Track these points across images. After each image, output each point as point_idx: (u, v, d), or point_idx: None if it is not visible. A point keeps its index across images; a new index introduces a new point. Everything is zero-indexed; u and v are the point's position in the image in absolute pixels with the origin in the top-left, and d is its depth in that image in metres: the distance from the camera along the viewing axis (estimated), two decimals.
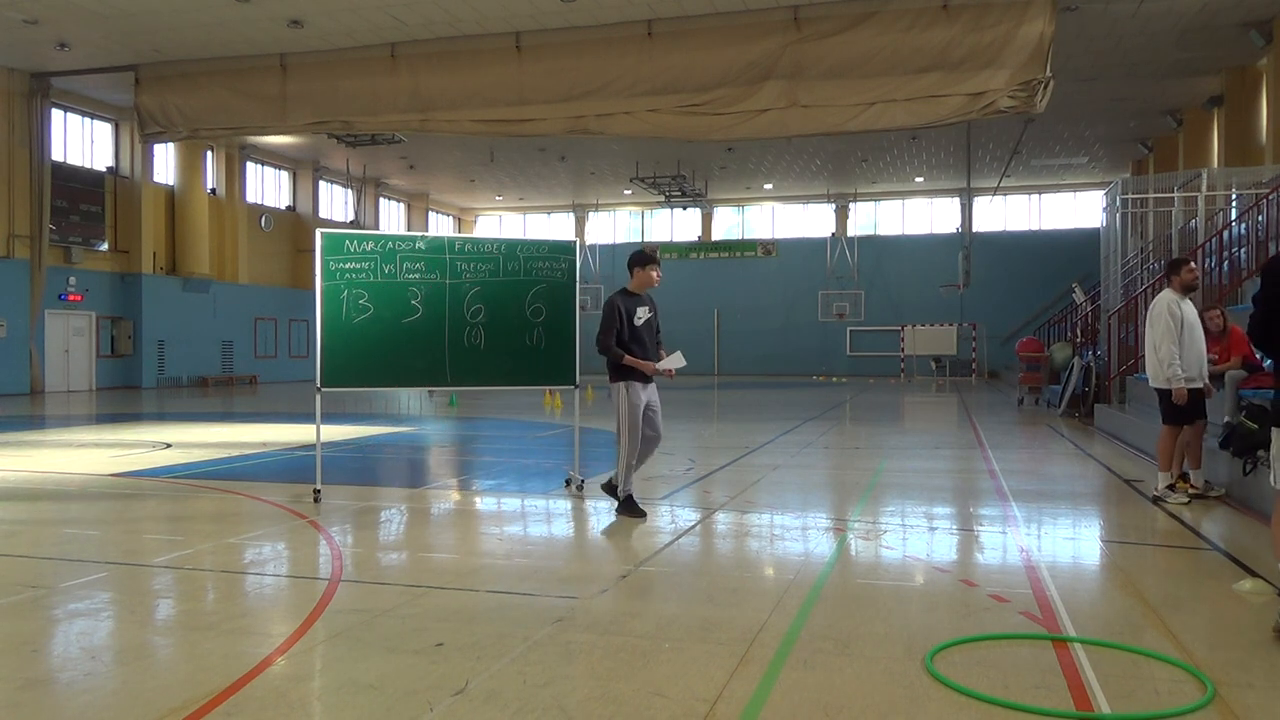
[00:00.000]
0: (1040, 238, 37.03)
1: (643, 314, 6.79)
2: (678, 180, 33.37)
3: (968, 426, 14.97)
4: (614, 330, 6.71)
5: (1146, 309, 14.25)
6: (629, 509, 6.84)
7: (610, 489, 7.04)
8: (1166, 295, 7.56)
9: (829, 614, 4.42)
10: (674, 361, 6.86)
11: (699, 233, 41.84)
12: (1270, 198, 12.73)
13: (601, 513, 7.23)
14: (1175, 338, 7.32)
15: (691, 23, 16.71)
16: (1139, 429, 11.55)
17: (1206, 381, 7.58)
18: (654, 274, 6.90)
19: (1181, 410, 7.39)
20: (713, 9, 16.44)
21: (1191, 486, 7.59)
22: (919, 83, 15.37)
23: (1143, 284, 15.67)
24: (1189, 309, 7.50)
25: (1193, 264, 7.71)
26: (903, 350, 36.23)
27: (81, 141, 25.53)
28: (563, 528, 6.80)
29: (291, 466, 9.98)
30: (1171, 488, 7.43)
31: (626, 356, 6.70)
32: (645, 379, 6.83)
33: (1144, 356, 13.92)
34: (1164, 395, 7.48)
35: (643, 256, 6.99)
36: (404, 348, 7.63)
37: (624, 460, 6.82)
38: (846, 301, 38.64)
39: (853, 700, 3.32)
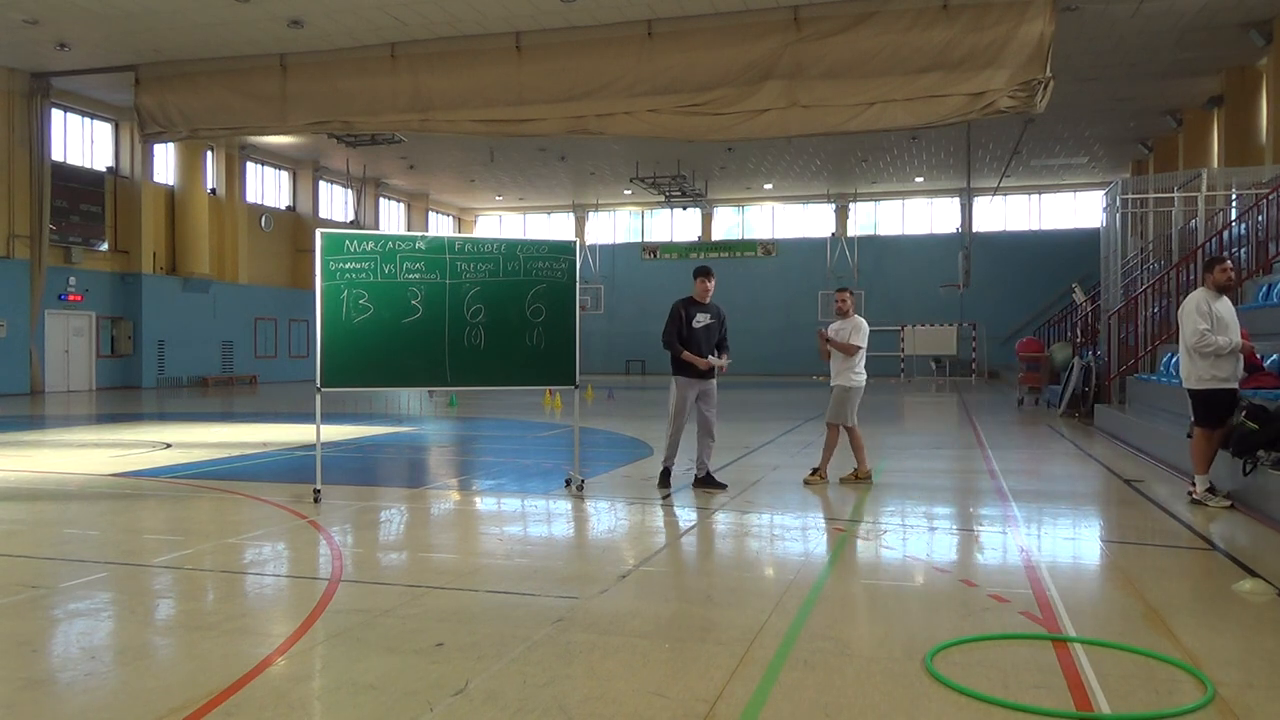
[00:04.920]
0: (1040, 238, 37.02)
1: (702, 319, 7.98)
2: (678, 180, 33.34)
3: (968, 426, 14.97)
4: (674, 328, 7.93)
5: (1146, 309, 14.36)
6: (661, 480, 8.10)
7: (701, 481, 8.08)
8: (1198, 293, 7.54)
9: (829, 614, 4.42)
10: (717, 360, 8.02)
11: (699, 233, 41.83)
12: (1270, 198, 12.73)
13: (602, 513, 7.24)
14: (1208, 327, 7.22)
15: (691, 23, 16.69)
16: (1139, 429, 11.55)
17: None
18: (705, 285, 8.04)
19: (1216, 412, 7.28)
20: (713, 9, 16.43)
21: (1192, 487, 7.58)
22: (919, 83, 15.36)
23: (1143, 284, 15.68)
24: (1223, 307, 7.41)
25: (1228, 264, 7.60)
26: (903, 350, 36.20)
27: (81, 141, 25.51)
28: (563, 528, 6.80)
29: (291, 466, 9.97)
30: (1211, 490, 7.31)
31: (685, 353, 7.89)
32: (695, 376, 7.94)
33: (1145, 357, 14.06)
34: (1199, 397, 7.39)
35: (696, 270, 8.16)
36: (404, 348, 7.62)
37: (667, 439, 8.16)
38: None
39: (853, 700, 3.32)
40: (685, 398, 7.97)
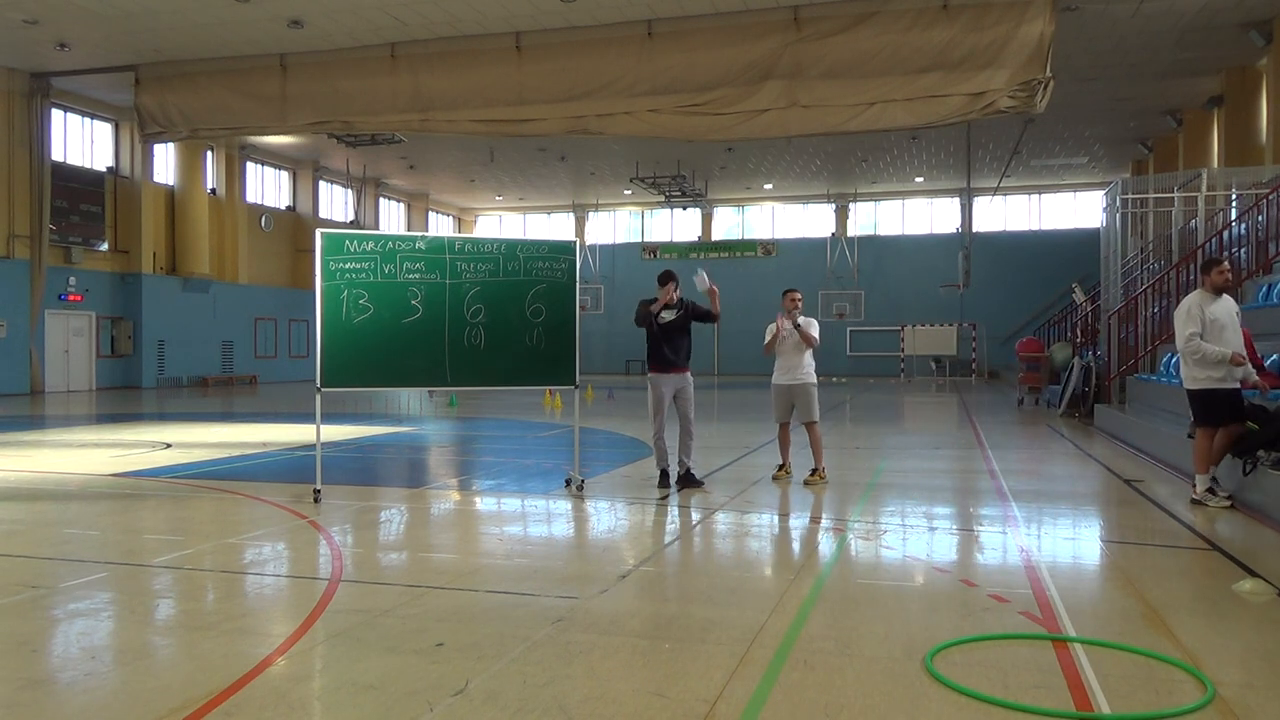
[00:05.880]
0: (1040, 238, 37.01)
1: (667, 315, 8.20)
2: (678, 180, 33.33)
3: (968, 426, 14.97)
4: (645, 312, 8.16)
5: (1146, 309, 14.36)
6: (660, 481, 8.19)
7: (681, 479, 8.16)
8: (1194, 295, 7.52)
9: (829, 614, 4.41)
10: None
11: (699, 233, 41.82)
12: (1270, 198, 12.73)
13: (602, 513, 7.24)
14: (1197, 331, 7.20)
15: (691, 23, 16.69)
16: (1139, 429, 11.55)
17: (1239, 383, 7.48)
18: (669, 290, 8.13)
19: (1214, 413, 7.24)
20: (713, 9, 16.43)
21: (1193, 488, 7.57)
22: (919, 83, 15.35)
23: (1143, 284, 15.68)
24: (1221, 308, 7.37)
25: (1225, 265, 7.55)
26: (903, 350, 36.20)
27: (81, 141, 25.51)
28: (563, 528, 6.80)
29: (291, 466, 9.97)
30: (1211, 490, 7.29)
31: (651, 305, 8.12)
32: (665, 371, 8.12)
33: (1145, 357, 14.06)
34: (1195, 397, 7.36)
35: (660, 277, 8.25)
36: (404, 348, 7.62)
37: (653, 442, 8.31)
38: (846, 301, 38.62)
39: (853, 701, 3.32)
40: (661, 396, 8.12)
